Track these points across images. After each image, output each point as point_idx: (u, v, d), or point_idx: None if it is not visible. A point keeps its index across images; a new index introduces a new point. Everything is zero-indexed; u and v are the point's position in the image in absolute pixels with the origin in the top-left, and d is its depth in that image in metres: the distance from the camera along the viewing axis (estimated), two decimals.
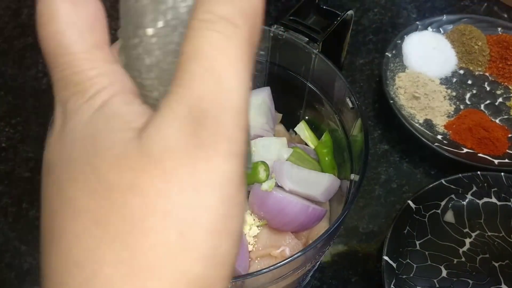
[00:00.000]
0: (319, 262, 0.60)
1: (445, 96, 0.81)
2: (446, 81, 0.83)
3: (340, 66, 0.76)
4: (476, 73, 0.85)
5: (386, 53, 0.82)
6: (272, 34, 0.59)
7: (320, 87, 0.59)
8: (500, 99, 0.82)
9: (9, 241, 0.63)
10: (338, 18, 0.61)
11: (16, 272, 0.61)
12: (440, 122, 0.78)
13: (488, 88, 0.83)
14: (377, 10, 0.96)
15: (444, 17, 0.89)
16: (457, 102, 0.81)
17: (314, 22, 0.62)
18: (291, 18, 0.59)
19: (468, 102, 0.81)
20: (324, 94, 0.59)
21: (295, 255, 0.43)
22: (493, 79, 0.84)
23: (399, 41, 0.85)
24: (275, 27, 0.59)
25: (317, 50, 0.57)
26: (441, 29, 0.89)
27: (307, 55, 0.57)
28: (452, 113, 0.79)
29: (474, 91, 0.83)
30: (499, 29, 0.89)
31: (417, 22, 0.87)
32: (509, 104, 0.81)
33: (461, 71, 0.85)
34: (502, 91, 0.83)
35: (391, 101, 0.76)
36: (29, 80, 0.81)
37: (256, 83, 0.65)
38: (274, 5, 0.93)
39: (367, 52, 0.89)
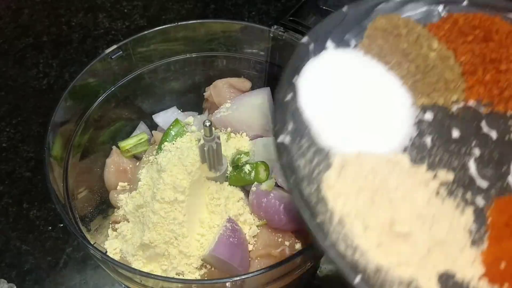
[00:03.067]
0: (319, 262, 0.60)
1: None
2: (413, 158, 0.40)
3: None
4: (454, 108, 0.44)
5: (275, 127, 0.39)
6: (272, 35, 0.59)
7: None
8: None
9: (10, 241, 0.63)
10: None
11: (17, 272, 0.61)
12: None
13: (487, 131, 0.43)
14: None
15: (345, 9, 0.46)
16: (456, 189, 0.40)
17: (313, 23, 0.62)
18: (290, 18, 0.59)
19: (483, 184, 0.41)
20: None
21: (295, 255, 0.43)
22: (487, 110, 0.44)
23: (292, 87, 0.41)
24: (275, 27, 0.59)
25: None
26: (352, 41, 0.46)
27: None
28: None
29: (472, 150, 0.42)
30: (458, 5, 0.48)
31: (303, 40, 0.43)
32: None
33: (427, 115, 0.43)
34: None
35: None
36: (30, 80, 0.81)
37: (256, 84, 0.65)
38: (274, 5, 0.93)
39: None
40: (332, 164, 0.38)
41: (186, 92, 0.67)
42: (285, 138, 0.38)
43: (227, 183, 0.54)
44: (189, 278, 0.49)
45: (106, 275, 0.59)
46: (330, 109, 0.42)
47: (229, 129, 0.59)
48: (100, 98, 0.59)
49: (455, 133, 0.43)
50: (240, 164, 0.54)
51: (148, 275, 0.44)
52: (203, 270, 0.50)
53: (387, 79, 0.44)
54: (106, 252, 0.49)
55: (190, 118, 0.62)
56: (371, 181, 0.38)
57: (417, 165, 0.40)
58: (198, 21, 0.61)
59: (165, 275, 0.49)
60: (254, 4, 0.93)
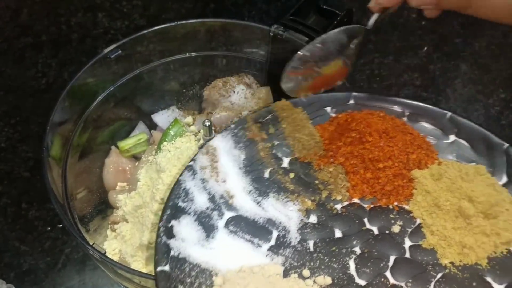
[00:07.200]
0: None
1: None
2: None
3: None
4: (339, 206, 0.45)
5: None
6: (272, 34, 0.59)
7: None
8: (408, 243, 0.43)
9: (9, 241, 0.63)
10: (338, 18, 0.61)
11: (15, 272, 0.61)
12: None
13: (369, 227, 0.44)
14: None
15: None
16: None
17: (314, 22, 0.61)
18: (291, 18, 0.59)
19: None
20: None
21: None
22: (370, 205, 0.46)
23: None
24: (275, 26, 0.59)
25: None
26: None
27: None
28: None
29: (353, 248, 0.43)
30: (345, 104, 0.50)
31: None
32: (426, 244, 0.43)
33: (312, 218, 0.45)
34: (401, 222, 0.44)
35: None
36: (29, 80, 0.81)
37: (256, 83, 0.65)
38: (274, 5, 0.93)
39: (367, 52, 0.88)
40: (213, 284, 0.39)
41: (185, 92, 0.67)
42: (165, 266, 0.40)
43: None
44: None
45: (105, 276, 0.59)
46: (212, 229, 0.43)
47: None
48: (99, 98, 0.59)
49: (338, 233, 0.43)
50: None
51: (147, 276, 0.44)
52: None
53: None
54: (105, 252, 0.49)
55: (189, 118, 0.62)
56: None
57: (295, 272, 0.40)
58: (198, 20, 0.61)
59: None
60: (254, 3, 0.93)
